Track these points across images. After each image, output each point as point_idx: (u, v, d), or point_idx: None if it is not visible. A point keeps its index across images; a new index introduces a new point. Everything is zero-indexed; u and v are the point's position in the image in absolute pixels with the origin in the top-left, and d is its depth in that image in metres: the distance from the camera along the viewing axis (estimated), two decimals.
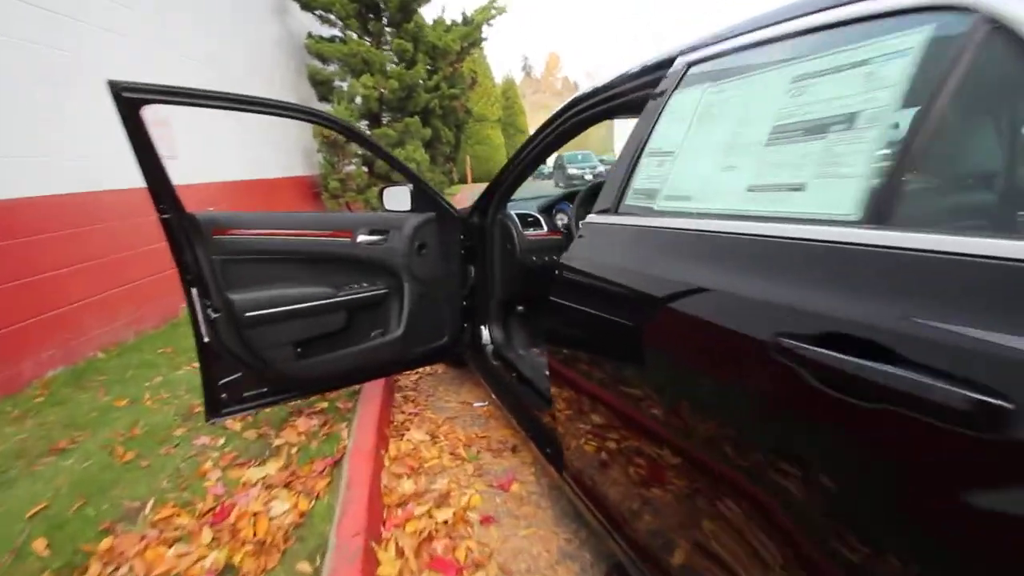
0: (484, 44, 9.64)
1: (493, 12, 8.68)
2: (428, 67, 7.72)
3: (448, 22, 8.40)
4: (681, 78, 1.10)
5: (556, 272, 1.25)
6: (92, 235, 3.10)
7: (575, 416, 1.27)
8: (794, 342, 0.63)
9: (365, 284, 1.92)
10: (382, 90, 6.63)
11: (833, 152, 0.71)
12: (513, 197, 2.16)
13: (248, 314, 1.65)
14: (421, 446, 2.07)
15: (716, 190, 0.91)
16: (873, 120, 0.67)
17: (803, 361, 0.62)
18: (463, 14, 8.77)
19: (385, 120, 7.28)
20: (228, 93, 1.53)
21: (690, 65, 1.10)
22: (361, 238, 1.88)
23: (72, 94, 3.00)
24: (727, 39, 1.01)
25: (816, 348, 0.61)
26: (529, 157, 1.88)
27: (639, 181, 1.12)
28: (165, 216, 1.51)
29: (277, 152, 5.59)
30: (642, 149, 1.13)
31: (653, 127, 1.13)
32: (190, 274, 1.58)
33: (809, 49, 0.81)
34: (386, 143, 6.70)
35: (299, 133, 6.06)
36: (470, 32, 8.24)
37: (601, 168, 19.54)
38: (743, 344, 0.71)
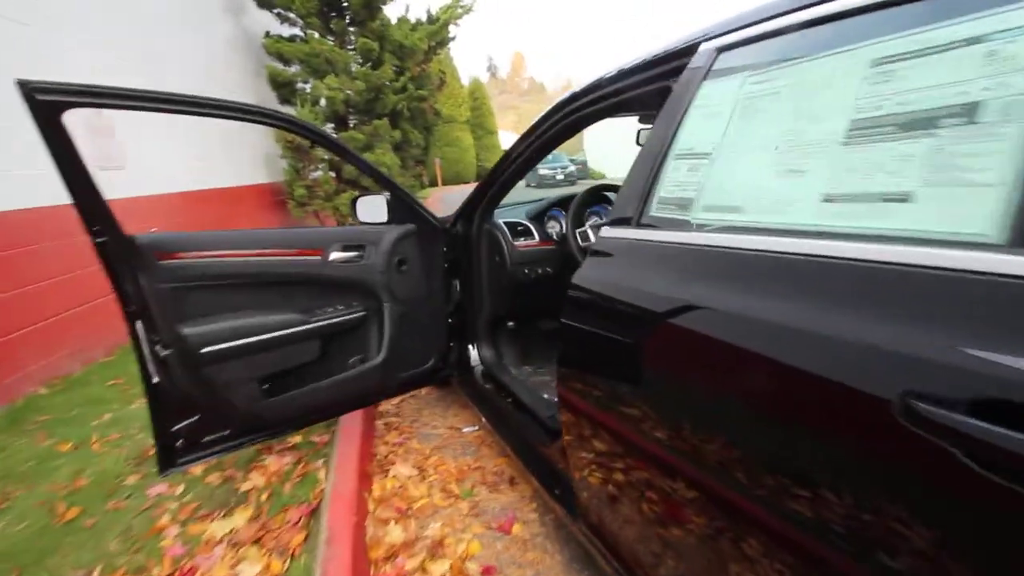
0: (451, 45, 9.40)
1: (459, 11, 8.47)
2: (395, 68, 7.46)
3: (413, 21, 8.15)
4: (710, 67, 0.95)
5: (569, 292, 1.08)
6: (26, 257, 2.78)
7: (593, 454, 1.10)
8: (933, 407, 0.48)
9: (340, 307, 1.71)
10: (348, 91, 6.35)
11: (950, 153, 0.56)
12: (500, 203, 1.98)
13: (205, 350, 1.42)
14: (409, 483, 1.87)
15: (775, 200, 0.75)
16: (1008, 112, 0.52)
17: (946, 432, 0.47)
18: (428, 12, 8.53)
19: (352, 123, 6.99)
20: (171, 94, 1.30)
21: (720, 51, 0.94)
22: (334, 256, 1.67)
23: None
24: (767, 19, 0.86)
25: (967, 419, 0.46)
26: (519, 160, 1.70)
27: (666, 189, 0.95)
28: (99, 240, 1.28)
29: (235, 159, 5.27)
30: (666, 151, 0.97)
31: (679, 125, 0.96)
32: (132, 306, 1.35)
33: (894, 24, 0.66)
34: (354, 147, 6.42)
35: (260, 138, 5.73)
36: (437, 30, 8.02)
37: (572, 168, 19.50)
38: (853, 401, 0.55)
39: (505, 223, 1.98)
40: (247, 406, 1.53)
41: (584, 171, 20.25)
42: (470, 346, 2.10)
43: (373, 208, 1.86)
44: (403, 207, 1.85)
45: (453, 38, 8.95)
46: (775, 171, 0.76)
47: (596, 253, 1.08)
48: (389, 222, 1.85)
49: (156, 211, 3.75)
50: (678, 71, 1.03)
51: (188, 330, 1.39)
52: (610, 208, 2.14)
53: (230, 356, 1.45)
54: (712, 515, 0.77)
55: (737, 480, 0.70)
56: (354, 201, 1.85)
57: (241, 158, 5.40)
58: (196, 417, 1.51)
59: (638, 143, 1.96)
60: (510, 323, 2.18)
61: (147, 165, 3.74)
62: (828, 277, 0.63)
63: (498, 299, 2.03)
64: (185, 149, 4.32)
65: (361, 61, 6.83)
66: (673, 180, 0.94)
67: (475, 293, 2.06)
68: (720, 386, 0.74)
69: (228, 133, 5.00)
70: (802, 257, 0.66)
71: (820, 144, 0.70)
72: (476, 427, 2.26)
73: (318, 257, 1.63)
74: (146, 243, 1.36)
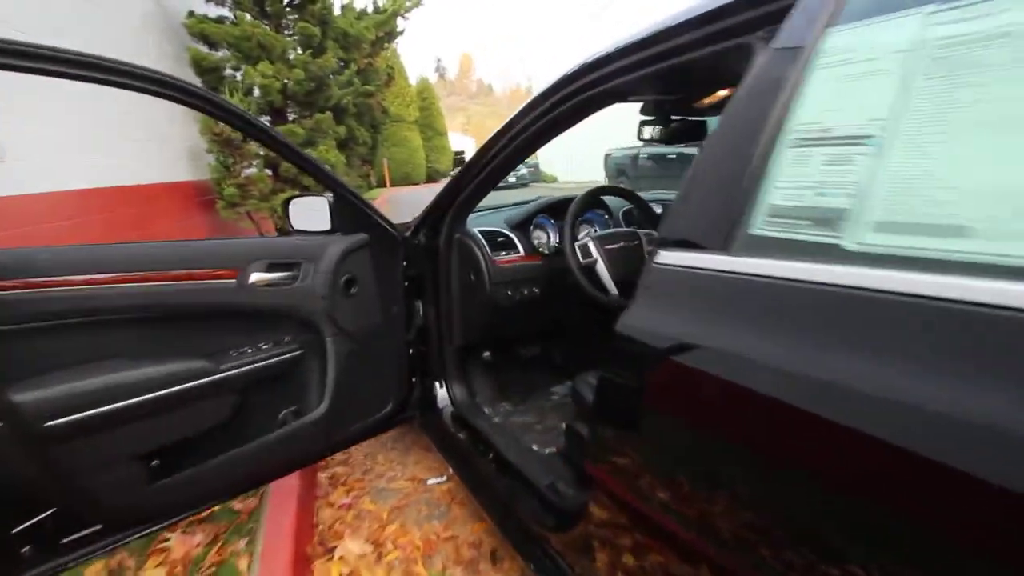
0: (399, 40, 8.90)
1: (408, 3, 7.99)
2: (340, 60, 6.90)
3: (358, 10, 7.60)
4: (842, 6, 0.61)
5: (616, 345, 0.73)
6: None
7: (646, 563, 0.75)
8: None
9: (265, 347, 1.27)
10: (286, 80, 5.74)
11: None
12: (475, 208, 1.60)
13: (52, 423, 0.96)
14: (361, 565, 1.45)
15: None
16: None
17: None
18: (375, 3, 8.01)
19: (292, 116, 6.37)
20: (33, 46, 0.85)
21: None
22: (255, 277, 1.24)
23: None
24: None
25: None
26: (501, 156, 1.33)
27: (780, 194, 0.61)
28: None
29: (150, 152, 4.58)
30: (774, 137, 0.63)
31: (792, 97, 0.62)
32: None
33: None
34: (296, 143, 5.84)
35: (180, 128, 5.04)
36: (385, 20, 7.51)
37: (524, 171, 19.16)
38: None
39: (482, 232, 1.60)
40: (123, 493, 1.07)
41: (536, 174, 20.00)
42: (437, 383, 1.70)
43: (312, 213, 1.44)
44: (352, 212, 1.44)
45: (401, 31, 8.48)
46: None
47: (655, 289, 0.72)
48: (333, 231, 1.42)
49: (37, 214, 3.09)
50: (770, 19, 0.70)
51: (22, 396, 0.93)
52: (607, 216, 1.81)
53: (92, 429, 0.99)
54: None
55: None
56: (286, 203, 1.42)
57: (157, 151, 4.71)
58: (50, 512, 1.04)
59: (640, 138, 1.64)
60: (485, 353, 1.80)
61: (29, 156, 3.08)
62: None
63: (472, 325, 1.65)
64: (83, 138, 3.65)
65: (300, 48, 6.24)
66: (795, 180, 0.60)
67: (443, 317, 1.67)
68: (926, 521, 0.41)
69: (140, 122, 4.33)
70: None
71: None
72: (444, 477, 1.86)
73: (231, 279, 1.19)
74: None
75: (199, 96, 1.12)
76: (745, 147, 0.65)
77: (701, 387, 0.64)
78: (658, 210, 1.82)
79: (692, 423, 0.66)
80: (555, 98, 1.13)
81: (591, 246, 1.45)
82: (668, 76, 0.93)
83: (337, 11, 6.97)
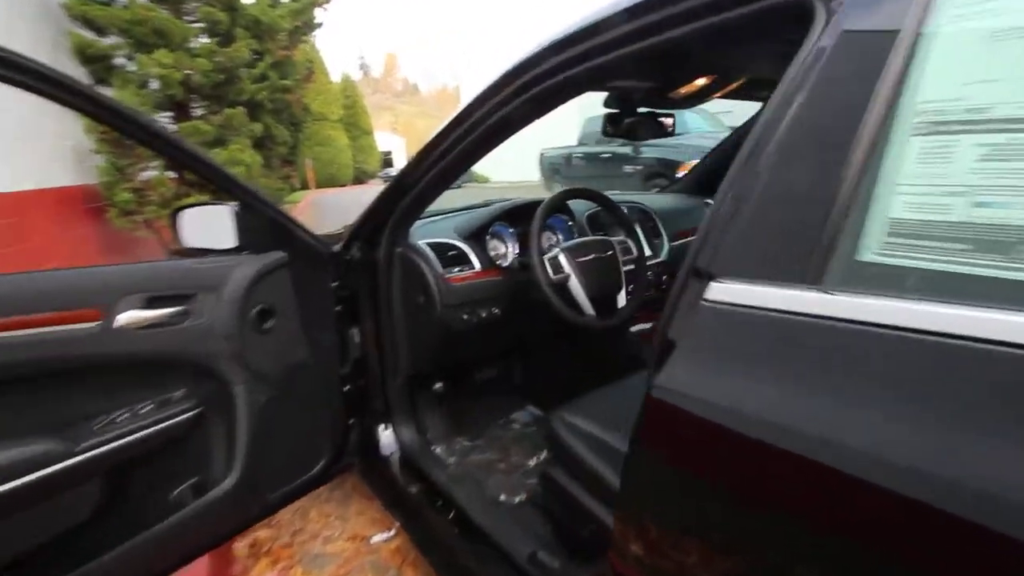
0: (321, 35, 8.35)
1: None
2: (253, 52, 6.29)
3: None
4: None
5: (648, 405, 0.52)
6: None
7: None
8: None
9: (145, 409, 0.95)
10: (188, 72, 5.13)
11: None
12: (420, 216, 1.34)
13: None
14: None
15: None
16: None
17: None
18: None
19: (197, 112, 5.73)
20: None
21: None
22: (127, 317, 0.92)
23: None
24: None
25: None
26: (453, 153, 1.09)
27: (906, 203, 0.42)
28: None
29: (18, 152, 3.89)
30: (886, 121, 0.44)
31: (914, 62, 0.44)
32: None
33: None
34: (201, 141, 5.22)
35: (57, 124, 4.34)
36: (302, 10, 6.96)
37: None
38: None
39: (430, 245, 1.34)
40: None
41: (468, 175, 19.69)
42: (381, 425, 1.43)
43: (211, 227, 1.13)
44: (265, 224, 1.14)
45: (320, 24, 7.94)
46: None
47: (708, 338, 0.51)
48: (240, 248, 1.12)
49: None
50: None
51: None
52: (570, 222, 1.61)
53: None
54: None
55: None
56: (173, 216, 1.10)
57: (29, 151, 4.01)
58: None
59: (606, 133, 1.44)
60: (437, 384, 1.54)
61: None
62: None
63: (420, 354, 1.39)
64: None
65: (206, 36, 5.62)
66: (931, 183, 0.41)
67: (385, 347, 1.40)
68: None
69: (7, 118, 3.65)
70: None
71: None
72: (391, 532, 1.58)
73: (93, 324, 0.87)
74: None
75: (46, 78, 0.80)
76: (837, 139, 0.46)
77: (804, 488, 0.43)
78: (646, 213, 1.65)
79: (791, 535, 0.45)
80: (516, 84, 0.90)
81: (562, 260, 1.23)
82: (673, 52, 0.73)
83: None
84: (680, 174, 6.54)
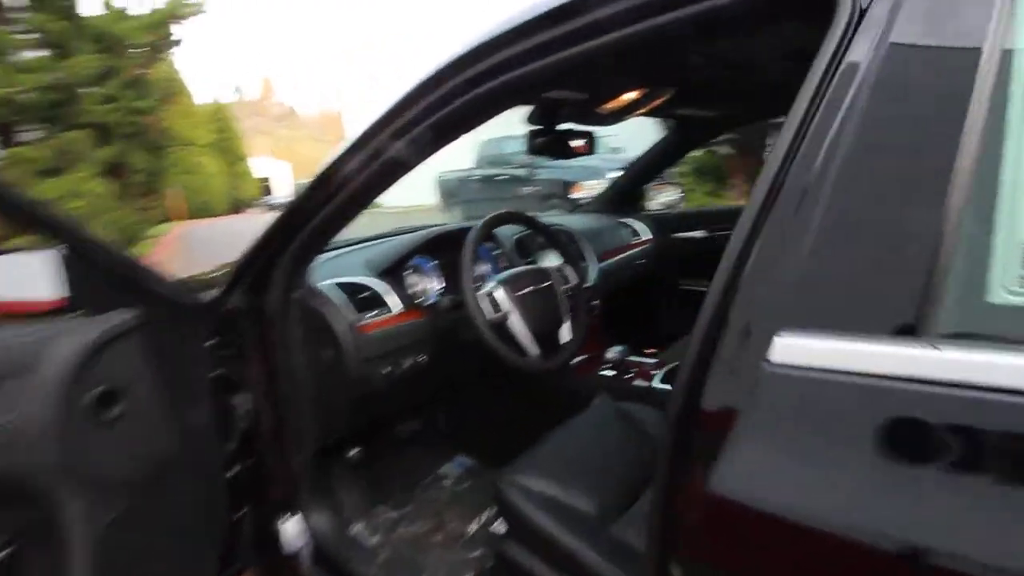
0: (187, 55, 7.58)
1: (186, 8, 6.78)
2: (104, 68, 5.47)
3: (121, 9, 6.20)
4: None
5: (693, 501, 0.38)
6: None
7: None
8: None
9: None
10: (11, 89, 4.29)
11: None
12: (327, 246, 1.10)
13: None
14: None
15: None
16: None
17: None
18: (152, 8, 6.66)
19: (25, 135, 4.82)
20: None
21: None
22: None
23: None
24: None
25: None
26: (363, 176, 0.89)
27: None
28: None
29: None
30: (1000, 123, 0.33)
31: None
32: None
33: None
34: (32, 171, 4.37)
35: None
36: (156, 24, 6.23)
37: None
38: None
39: (337, 286, 1.10)
40: None
41: None
42: (282, 516, 1.14)
43: (23, 281, 0.82)
44: (107, 273, 0.85)
45: (178, 41, 7.20)
46: None
47: (782, 413, 0.37)
48: (72, 307, 0.82)
49: None
50: None
51: None
52: (498, 250, 1.44)
53: None
54: None
55: None
56: None
57: None
58: None
59: (534, 152, 1.32)
60: (353, 451, 1.29)
61: None
62: None
63: (332, 420, 1.14)
64: None
65: (41, 48, 4.79)
66: None
67: (284, 415, 1.13)
68: None
69: None
70: None
71: None
72: None
73: None
74: None
75: None
76: (933, 152, 0.35)
77: None
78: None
79: None
80: (454, 82, 0.74)
81: (500, 295, 1.07)
82: (653, 44, 0.61)
83: (98, 9, 5.57)
84: (575, 194, 6.74)
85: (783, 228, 0.40)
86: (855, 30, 0.41)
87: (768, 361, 0.38)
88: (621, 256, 1.80)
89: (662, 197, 2.16)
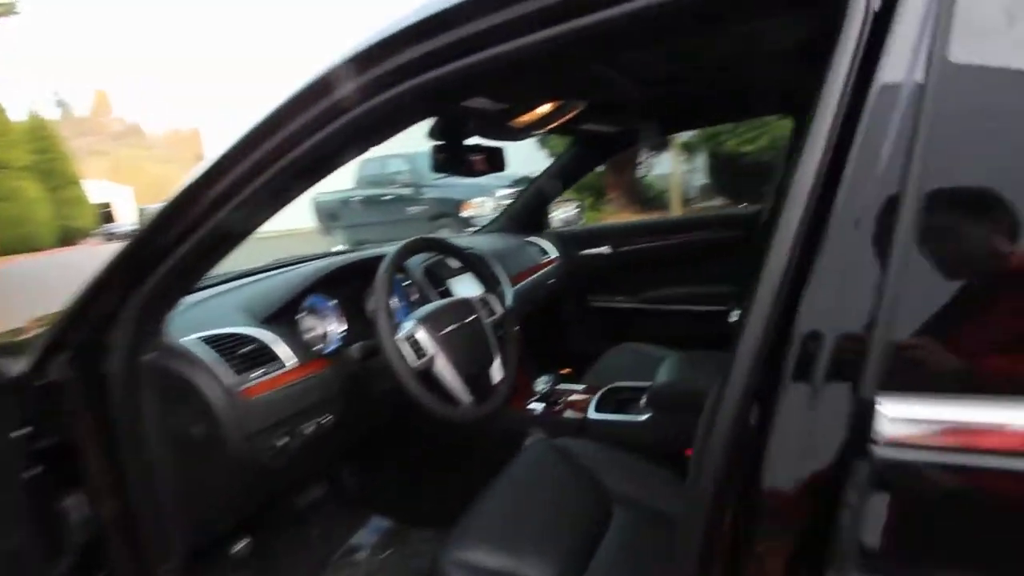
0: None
1: None
2: None
3: None
4: None
5: None
6: None
7: None
8: None
9: None
10: None
11: None
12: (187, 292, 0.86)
13: None
14: None
15: None
16: None
17: None
18: None
19: None
20: None
21: None
22: None
23: None
24: None
25: None
26: (241, 199, 0.69)
27: None
28: None
29: None
30: None
31: None
32: None
33: None
34: None
35: None
36: None
37: None
38: None
39: (205, 341, 0.86)
40: None
41: None
42: None
43: None
44: None
45: None
46: None
47: (910, 521, 0.27)
48: None
49: None
50: None
51: None
52: (407, 282, 1.25)
53: None
54: None
55: None
56: None
57: None
58: None
59: (438, 169, 1.19)
60: (240, 544, 1.03)
61: None
62: None
63: (208, 513, 0.89)
64: None
65: None
66: None
67: (140, 516, 0.85)
68: None
69: None
70: None
71: None
72: None
73: None
74: None
75: None
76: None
77: None
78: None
79: None
80: (340, 95, 0.59)
81: (422, 337, 0.90)
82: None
83: None
84: (465, 212, 6.65)
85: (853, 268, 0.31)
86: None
87: (883, 448, 0.27)
88: (532, 277, 1.71)
89: (562, 213, 2.12)
